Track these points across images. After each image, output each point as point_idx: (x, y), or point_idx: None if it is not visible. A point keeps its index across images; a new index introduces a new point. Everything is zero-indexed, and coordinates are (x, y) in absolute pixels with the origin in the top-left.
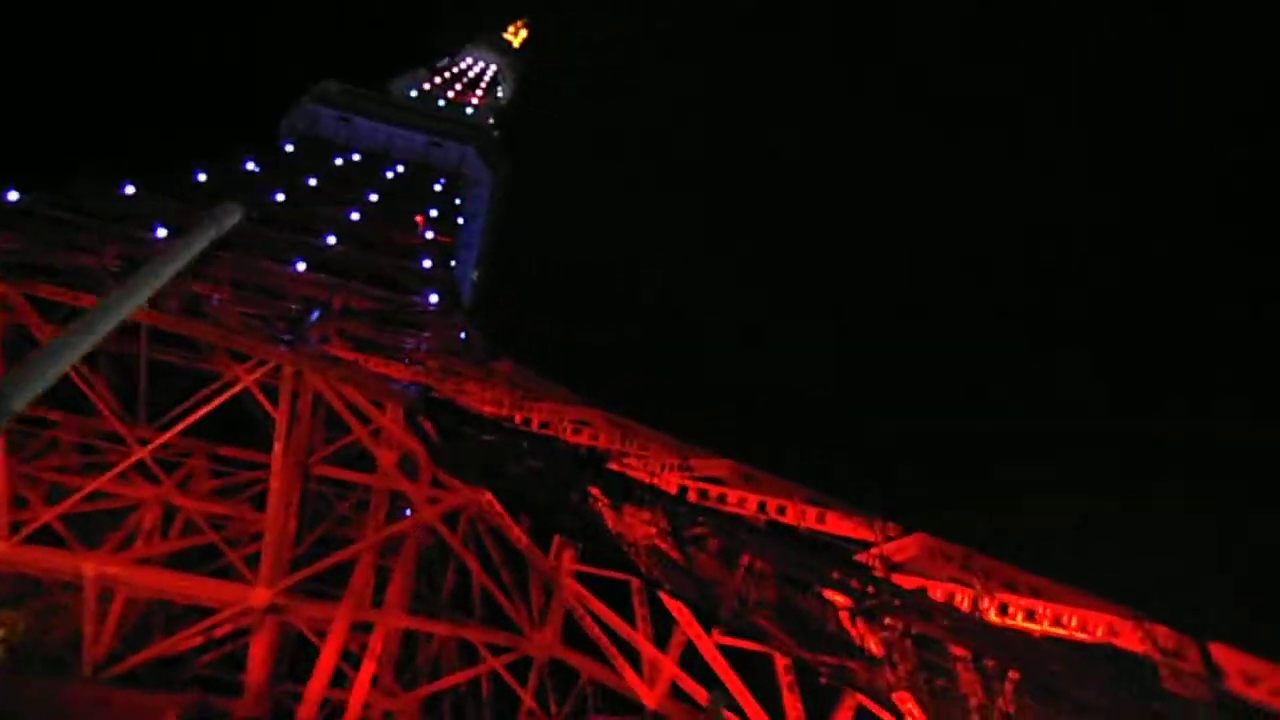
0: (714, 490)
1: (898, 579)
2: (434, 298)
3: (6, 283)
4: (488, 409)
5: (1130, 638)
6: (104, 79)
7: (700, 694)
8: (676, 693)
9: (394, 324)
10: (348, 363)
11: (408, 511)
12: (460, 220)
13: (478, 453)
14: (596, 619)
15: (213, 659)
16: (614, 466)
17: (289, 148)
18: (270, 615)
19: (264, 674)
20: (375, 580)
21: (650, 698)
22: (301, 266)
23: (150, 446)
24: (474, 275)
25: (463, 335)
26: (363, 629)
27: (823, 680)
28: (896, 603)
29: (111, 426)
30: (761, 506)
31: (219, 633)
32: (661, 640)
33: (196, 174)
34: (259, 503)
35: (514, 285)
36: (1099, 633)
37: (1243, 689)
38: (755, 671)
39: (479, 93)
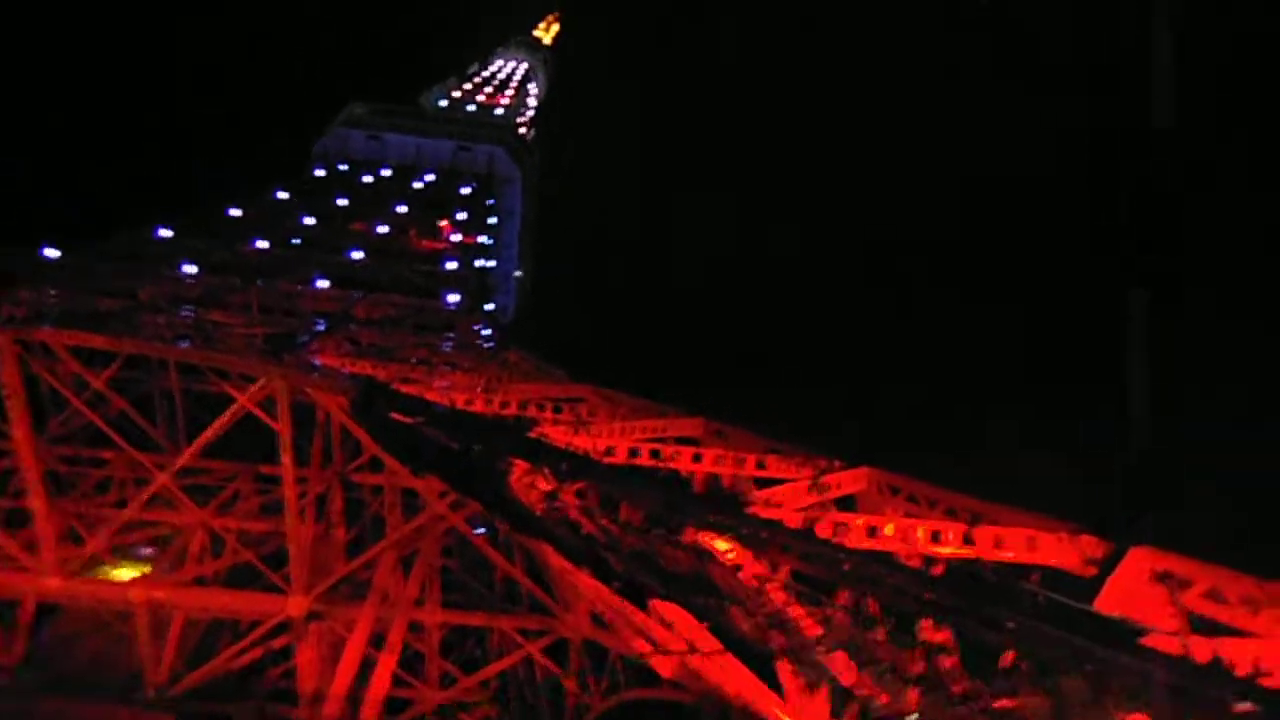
0: (658, 448)
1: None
2: (453, 297)
3: (48, 331)
4: (434, 397)
5: (1051, 551)
6: (138, 127)
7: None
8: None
9: (423, 328)
10: (323, 369)
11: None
12: (494, 220)
13: (407, 437)
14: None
15: (284, 670)
16: (550, 434)
17: (320, 172)
18: (312, 622)
19: (315, 681)
20: (421, 578)
21: (664, 667)
22: (323, 284)
23: (168, 472)
24: (518, 272)
25: (486, 331)
26: (412, 627)
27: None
28: (764, 535)
29: (136, 458)
30: (696, 458)
31: (276, 645)
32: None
33: (228, 210)
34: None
35: (562, 277)
36: (1015, 548)
37: (1177, 592)
38: None
39: (509, 93)
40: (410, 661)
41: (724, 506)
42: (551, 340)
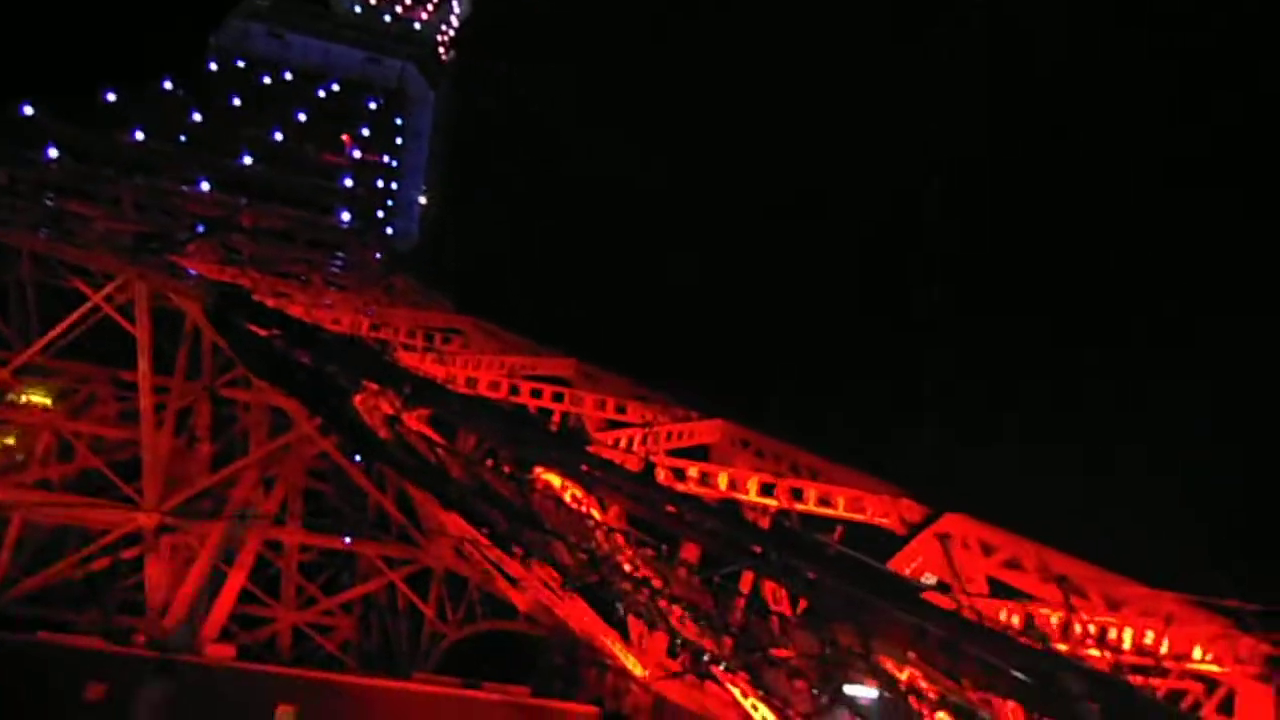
0: (518, 384)
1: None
2: (346, 216)
3: None
4: (296, 311)
5: (874, 511)
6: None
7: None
8: None
9: (313, 244)
10: (186, 273)
11: None
12: (400, 140)
13: (261, 349)
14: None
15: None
16: (408, 360)
17: (213, 66)
18: (164, 535)
19: (163, 594)
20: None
21: (521, 601)
22: (206, 187)
23: (9, 368)
24: (422, 198)
25: (378, 255)
26: (273, 546)
27: (517, 553)
28: (597, 474)
29: None
30: (557, 397)
31: (128, 555)
32: None
33: (105, 95)
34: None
35: (471, 207)
36: (840, 505)
37: (978, 558)
38: None
39: (430, 7)
40: (272, 581)
41: (564, 444)
42: (448, 272)
